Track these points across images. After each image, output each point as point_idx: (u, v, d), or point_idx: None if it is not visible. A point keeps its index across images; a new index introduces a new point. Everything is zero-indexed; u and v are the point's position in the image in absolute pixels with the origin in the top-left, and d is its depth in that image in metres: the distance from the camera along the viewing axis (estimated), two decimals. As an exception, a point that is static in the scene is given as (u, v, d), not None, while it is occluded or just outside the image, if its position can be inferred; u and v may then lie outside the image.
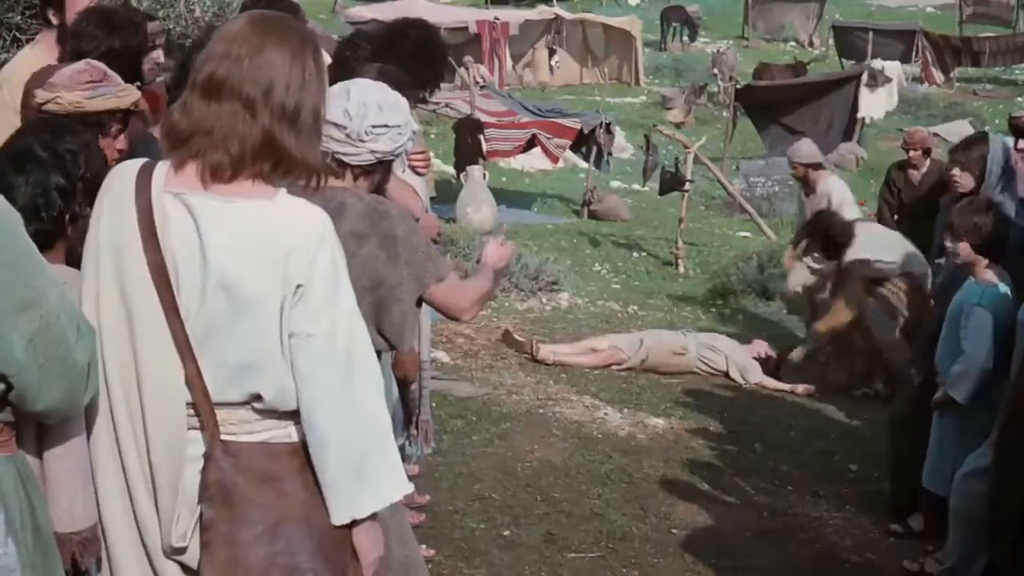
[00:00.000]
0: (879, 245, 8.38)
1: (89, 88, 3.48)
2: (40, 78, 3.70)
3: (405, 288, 3.31)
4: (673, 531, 5.94)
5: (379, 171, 3.50)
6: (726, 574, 5.57)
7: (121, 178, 2.59)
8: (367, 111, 3.37)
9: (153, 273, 2.50)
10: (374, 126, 3.37)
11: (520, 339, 9.01)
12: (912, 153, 10.53)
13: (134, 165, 2.61)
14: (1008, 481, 4.34)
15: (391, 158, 3.50)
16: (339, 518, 2.58)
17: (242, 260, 2.48)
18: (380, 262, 3.28)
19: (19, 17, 7.31)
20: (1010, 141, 6.13)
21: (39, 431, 2.51)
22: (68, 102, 3.43)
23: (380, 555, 2.69)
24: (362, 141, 3.37)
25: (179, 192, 2.53)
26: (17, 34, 7.26)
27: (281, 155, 2.53)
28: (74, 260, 2.72)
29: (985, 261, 5.44)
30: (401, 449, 4.68)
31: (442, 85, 9.70)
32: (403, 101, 3.53)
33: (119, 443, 2.56)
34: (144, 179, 2.55)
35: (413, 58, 5.07)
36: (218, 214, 2.50)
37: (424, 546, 4.83)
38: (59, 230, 2.82)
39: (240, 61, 2.50)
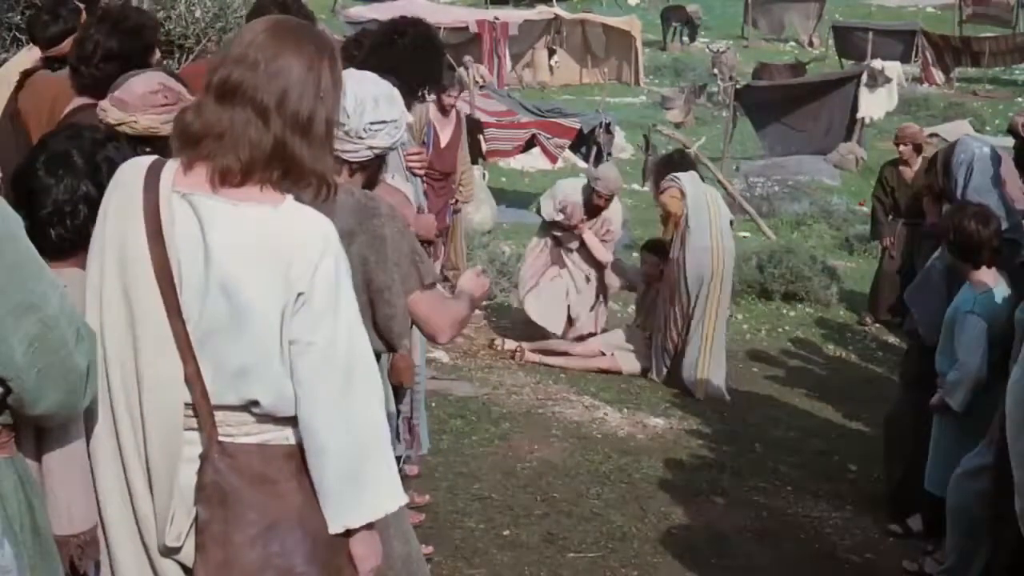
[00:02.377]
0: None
1: (164, 111, 3.41)
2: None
3: (394, 291, 3.27)
4: (672, 531, 5.94)
5: (374, 165, 3.49)
6: (725, 574, 5.58)
7: (129, 175, 2.59)
8: (364, 107, 3.35)
9: (157, 271, 2.50)
10: (372, 123, 3.36)
11: (510, 348, 9.04)
12: (902, 148, 10.52)
13: (143, 162, 2.60)
14: (1008, 481, 4.34)
15: (388, 152, 3.50)
16: (334, 526, 2.58)
17: (245, 264, 2.47)
18: (370, 263, 3.25)
19: (19, 17, 7.32)
20: (986, 149, 6.10)
21: (38, 434, 2.50)
22: (144, 127, 3.38)
23: (377, 564, 2.69)
24: (361, 139, 3.36)
25: (187, 192, 2.52)
26: (17, 34, 7.27)
27: (292, 164, 2.52)
28: None
29: (971, 267, 5.44)
30: (399, 457, 4.66)
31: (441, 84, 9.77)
32: (396, 93, 3.51)
33: (119, 441, 2.56)
34: (152, 177, 2.55)
35: (411, 56, 5.07)
36: (224, 217, 2.49)
37: (424, 545, 4.84)
38: (82, 239, 2.80)
39: (255, 67, 2.49)
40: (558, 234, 9.23)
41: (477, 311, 10.08)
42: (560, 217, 9.07)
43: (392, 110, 3.43)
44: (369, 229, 3.22)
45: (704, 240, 8.58)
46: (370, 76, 3.49)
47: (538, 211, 9.58)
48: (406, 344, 3.67)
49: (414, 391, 5.12)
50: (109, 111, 3.42)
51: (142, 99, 3.43)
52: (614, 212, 9.30)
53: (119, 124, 3.36)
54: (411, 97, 5.06)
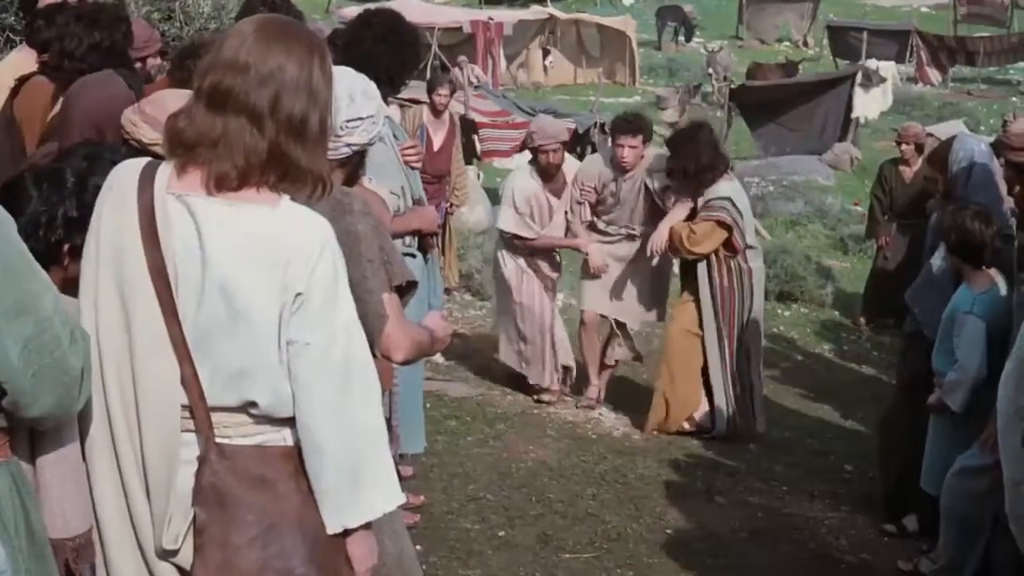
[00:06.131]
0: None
1: None
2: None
3: (366, 287, 3.23)
4: (668, 531, 5.95)
5: (353, 161, 3.47)
6: (721, 574, 5.58)
7: (123, 177, 2.57)
8: (339, 104, 3.32)
9: (153, 273, 2.48)
10: (348, 120, 3.34)
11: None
12: (904, 147, 10.51)
13: (137, 164, 2.59)
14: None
15: (366, 148, 3.48)
16: (332, 526, 2.58)
17: (242, 265, 2.46)
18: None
19: (12, 18, 7.31)
20: (983, 145, 6.10)
21: (32, 437, 2.49)
22: None
23: (374, 563, 2.69)
24: (338, 136, 3.34)
25: (182, 194, 2.51)
26: (10, 35, 7.27)
27: (288, 166, 2.50)
28: (75, 293, 2.62)
29: (972, 267, 5.43)
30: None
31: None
32: (373, 88, 3.50)
33: (115, 444, 2.55)
34: (147, 179, 2.53)
35: (382, 45, 5.03)
36: (220, 218, 2.48)
37: (419, 547, 4.83)
38: (54, 256, 2.77)
39: (246, 71, 2.46)
40: (518, 243, 7.96)
41: (475, 311, 10.09)
42: (531, 230, 7.85)
43: (368, 106, 3.41)
44: (341, 227, 3.18)
45: (760, 259, 7.75)
46: (347, 72, 3.46)
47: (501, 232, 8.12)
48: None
49: (393, 392, 5.11)
50: (141, 127, 3.36)
51: None
52: (569, 169, 8.04)
53: (152, 144, 3.30)
54: (390, 89, 5.03)
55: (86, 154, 2.95)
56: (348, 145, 3.38)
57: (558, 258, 8.22)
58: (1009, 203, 6.13)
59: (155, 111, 3.34)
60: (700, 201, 7.33)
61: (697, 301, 7.44)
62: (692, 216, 7.37)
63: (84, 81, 4.50)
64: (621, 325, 8.11)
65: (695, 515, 6.20)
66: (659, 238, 7.35)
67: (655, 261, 7.65)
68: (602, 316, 8.07)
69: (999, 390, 3.89)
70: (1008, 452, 3.77)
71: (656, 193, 7.60)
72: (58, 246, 2.78)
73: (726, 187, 7.37)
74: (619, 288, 7.93)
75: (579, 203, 7.82)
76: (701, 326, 7.43)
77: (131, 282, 2.50)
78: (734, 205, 7.31)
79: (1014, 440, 3.66)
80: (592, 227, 7.90)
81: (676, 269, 8.03)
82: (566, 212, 7.89)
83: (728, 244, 7.32)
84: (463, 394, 7.93)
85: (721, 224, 7.26)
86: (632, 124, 7.72)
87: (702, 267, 7.39)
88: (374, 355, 3.14)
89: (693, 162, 7.27)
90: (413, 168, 5.27)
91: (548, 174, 7.88)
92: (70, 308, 2.52)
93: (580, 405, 7.95)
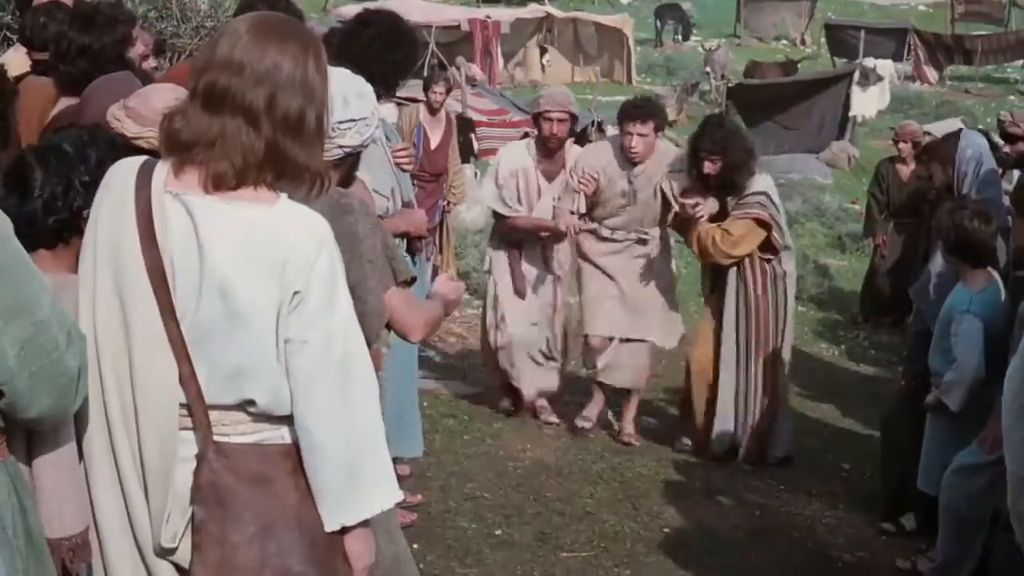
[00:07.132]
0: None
1: None
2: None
3: (366, 287, 3.24)
4: (665, 530, 5.94)
5: (347, 163, 3.47)
6: (718, 573, 5.58)
7: (120, 175, 2.57)
8: (333, 106, 3.32)
9: (150, 272, 2.48)
10: (340, 122, 3.33)
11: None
12: (902, 145, 10.52)
13: (134, 163, 2.58)
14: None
15: (360, 150, 3.48)
16: (330, 524, 2.58)
17: (240, 264, 2.46)
18: (343, 260, 3.21)
19: (10, 17, 7.31)
20: (986, 141, 6.09)
21: (29, 437, 2.49)
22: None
23: (372, 561, 2.69)
24: (330, 138, 3.33)
25: (179, 193, 2.50)
26: (8, 33, 7.26)
27: (286, 165, 2.50)
28: None
29: (971, 266, 5.42)
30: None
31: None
32: (368, 89, 3.49)
33: (113, 442, 2.55)
34: (144, 178, 2.53)
35: (378, 44, 5.03)
36: (217, 217, 2.48)
37: (416, 546, 4.83)
38: (77, 224, 2.77)
39: (241, 71, 2.46)
40: (499, 225, 7.35)
41: (472, 310, 10.08)
42: (506, 206, 7.19)
43: (362, 107, 3.40)
44: (341, 227, 3.18)
45: (793, 262, 7.08)
46: (342, 73, 3.45)
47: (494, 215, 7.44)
48: (385, 339, 3.65)
49: (381, 379, 5.09)
50: (125, 123, 3.36)
51: (161, 114, 3.38)
52: (570, 155, 7.23)
53: (136, 137, 3.30)
54: (385, 89, 5.02)
55: (84, 131, 2.96)
56: (340, 147, 3.37)
57: (558, 253, 7.37)
58: (1006, 200, 6.13)
59: (139, 105, 3.35)
60: (732, 200, 6.71)
61: (721, 312, 6.84)
62: (718, 218, 6.73)
63: (98, 82, 4.50)
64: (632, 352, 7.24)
65: (693, 514, 6.19)
66: (709, 206, 6.63)
67: (659, 274, 7.10)
68: (610, 339, 7.24)
69: (1005, 385, 3.88)
70: (1013, 448, 3.77)
71: (674, 197, 6.84)
72: (79, 213, 2.77)
73: (761, 181, 6.73)
74: (629, 302, 7.13)
75: (576, 191, 6.96)
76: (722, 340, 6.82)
77: (129, 281, 2.50)
78: (771, 200, 6.69)
79: (1019, 436, 3.66)
80: (595, 234, 7.12)
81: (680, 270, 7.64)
82: (555, 199, 7.12)
83: (766, 245, 6.70)
84: (460, 393, 7.93)
85: (759, 222, 6.63)
86: (642, 109, 6.90)
87: (732, 272, 6.77)
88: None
89: (746, 156, 6.68)
90: (404, 170, 5.25)
91: (547, 148, 7.15)
92: (70, 282, 2.53)
93: (578, 423, 7.31)
